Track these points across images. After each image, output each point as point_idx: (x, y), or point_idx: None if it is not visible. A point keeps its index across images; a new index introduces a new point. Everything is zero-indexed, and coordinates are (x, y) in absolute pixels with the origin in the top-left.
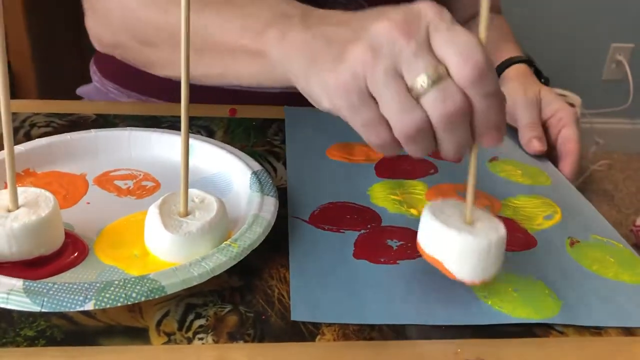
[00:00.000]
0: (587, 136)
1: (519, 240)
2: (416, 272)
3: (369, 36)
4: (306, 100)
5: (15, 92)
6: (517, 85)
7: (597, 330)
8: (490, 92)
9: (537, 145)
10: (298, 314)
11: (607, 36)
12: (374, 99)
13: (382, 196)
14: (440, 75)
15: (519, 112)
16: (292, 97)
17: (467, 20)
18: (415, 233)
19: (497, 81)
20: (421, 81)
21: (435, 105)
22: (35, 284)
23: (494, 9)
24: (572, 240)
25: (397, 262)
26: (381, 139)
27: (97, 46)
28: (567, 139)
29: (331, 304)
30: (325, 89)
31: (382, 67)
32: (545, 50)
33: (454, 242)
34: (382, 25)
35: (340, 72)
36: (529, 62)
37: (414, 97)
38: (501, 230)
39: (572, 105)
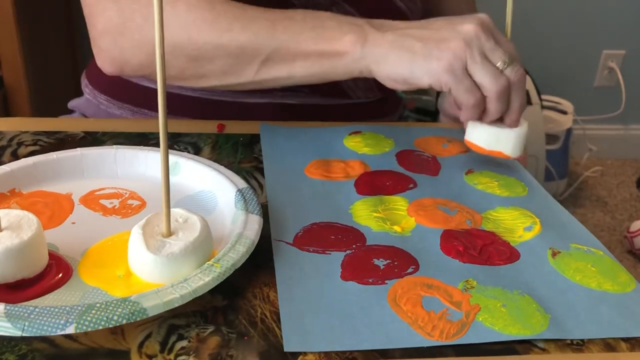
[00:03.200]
0: (580, 143)
1: (503, 254)
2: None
3: (461, 34)
4: (291, 112)
5: (7, 106)
6: None
7: (578, 347)
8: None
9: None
10: (290, 344)
11: (599, 43)
12: (469, 74)
13: (364, 214)
14: (512, 59)
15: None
16: (285, 108)
17: None
18: (399, 250)
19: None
20: (501, 63)
21: (512, 75)
22: (16, 308)
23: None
24: (554, 251)
25: (385, 282)
26: (476, 99)
27: (117, 69)
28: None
29: (323, 331)
30: (430, 71)
31: (477, 52)
32: (537, 57)
33: (506, 135)
34: (470, 27)
35: (445, 58)
36: None
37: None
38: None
39: (564, 113)
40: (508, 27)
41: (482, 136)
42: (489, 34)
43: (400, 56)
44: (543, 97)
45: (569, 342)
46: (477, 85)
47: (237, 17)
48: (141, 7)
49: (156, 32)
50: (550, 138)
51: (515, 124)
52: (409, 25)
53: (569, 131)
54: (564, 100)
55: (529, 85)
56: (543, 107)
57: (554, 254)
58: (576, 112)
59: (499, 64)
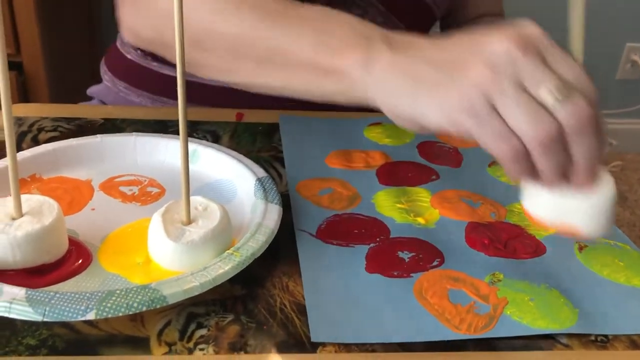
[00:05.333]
0: None
1: (528, 248)
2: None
3: (484, 55)
4: (310, 101)
5: (27, 93)
6: None
7: (603, 344)
8: (598, 122)
9: None
10: (317, 334)
11: (622, 35)
12: (498, 112)
13: (387, 205)
14: (569, 91)
15: None
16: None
17: (474, 17)
18: (424, 243)
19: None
20: (550, 97)
21: (568, 115)
22: (37, 293)
23: (497, 12)
24: (580, 244)
25: (411, 274)
26: (514, 150)
27: (131, 39)
28: None
29: (350, 322)
30: (441, 107)
31: (507, 82)
32: None
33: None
34: (499, 43)
35: (462, 90)
36: None
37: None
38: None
39: None
40: (575, 40)
41: (540, 205)
42: (533, 53)
43: (401, 85)
44: None
45: (593, 338)
46: (511, 130)
47: (241, 3)
48: None
49: (175, 17)
50: None
51: (587, 189)
52: (432, 43)
53: None
54: None
55: None
56: None
57: (580, 248)
58: None
59: (547, 99)
